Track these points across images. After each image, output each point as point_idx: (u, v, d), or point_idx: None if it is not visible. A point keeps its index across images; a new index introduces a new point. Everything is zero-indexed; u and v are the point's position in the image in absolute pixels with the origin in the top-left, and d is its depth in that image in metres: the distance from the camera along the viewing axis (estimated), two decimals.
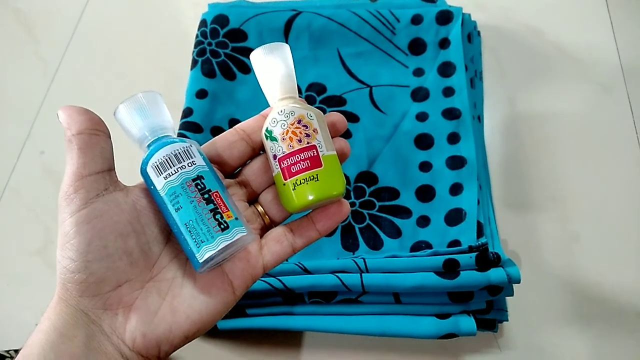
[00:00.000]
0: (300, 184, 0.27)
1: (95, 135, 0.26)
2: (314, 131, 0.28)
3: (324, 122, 0.29)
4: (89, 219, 0.25)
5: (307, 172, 0.27)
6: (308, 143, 0.28)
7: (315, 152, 0.28)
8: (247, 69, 0.53)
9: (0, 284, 0.48)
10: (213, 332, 0.43)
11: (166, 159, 0.26)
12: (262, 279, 0.40)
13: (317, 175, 0.27)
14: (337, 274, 0.40)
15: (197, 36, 0.54)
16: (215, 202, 0.26)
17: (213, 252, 0.25)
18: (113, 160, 0.27)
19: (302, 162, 0.27)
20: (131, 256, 0.26)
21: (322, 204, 0.29)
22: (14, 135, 0.56)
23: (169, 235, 0.28)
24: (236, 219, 0.26)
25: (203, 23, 0.55)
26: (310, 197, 0.27)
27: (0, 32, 0.64)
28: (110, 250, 0.25)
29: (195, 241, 0.26)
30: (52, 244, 0.50)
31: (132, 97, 0.27)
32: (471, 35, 0.54)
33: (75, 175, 0.26)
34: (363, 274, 0.40)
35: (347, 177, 0.48)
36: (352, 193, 0.47)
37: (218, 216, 0.26)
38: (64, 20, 0.64)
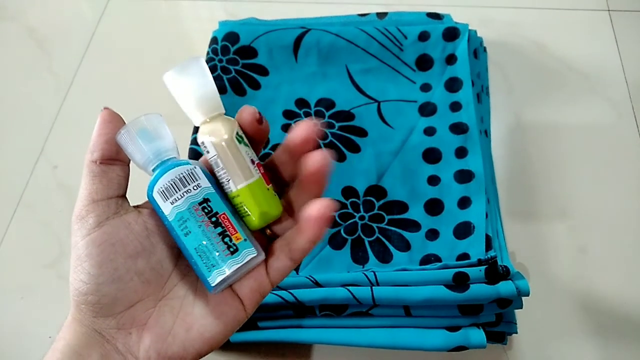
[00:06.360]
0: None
1: (112, 165, 0.27)
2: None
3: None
4: (99, 242, 0.26)
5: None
6: None
7: None
8: (257, 85, 0.54)
9: (14, 298, 0.49)
10: (225, 345, 0.43)
11: (171, 184, 0.26)
12: (274, 292, 0.41)
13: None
14: (348, 287, 0.40)
15: (208, 53, 0.55)
16: (223, 225, 0.26)
17: (224, 276, 0.26)
18: (126, 187, 0.28)
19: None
20: (142, 276, 0.27)
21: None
22: (28, 150, 0.57)
23: (179, 253, 0.29)
24: (245, 240, 0.27)
25: (214, 40, 0.56)
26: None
27: (14, 48, 0.66)
28: (121, 272, 0.26)
29: (206, 265, 0.26)
30: (65, 257, 0.50)
31: (135, 121, 0.27)
32: (477, 51, 0.55)
33: (87, 199, 0.26)
34: (374, 287, 0.40)
35: (356, 191, 0.48)
36: (361, 207, 0.48)
37: (227, 239, 0.26)
38: (77, 36, 0.65)
